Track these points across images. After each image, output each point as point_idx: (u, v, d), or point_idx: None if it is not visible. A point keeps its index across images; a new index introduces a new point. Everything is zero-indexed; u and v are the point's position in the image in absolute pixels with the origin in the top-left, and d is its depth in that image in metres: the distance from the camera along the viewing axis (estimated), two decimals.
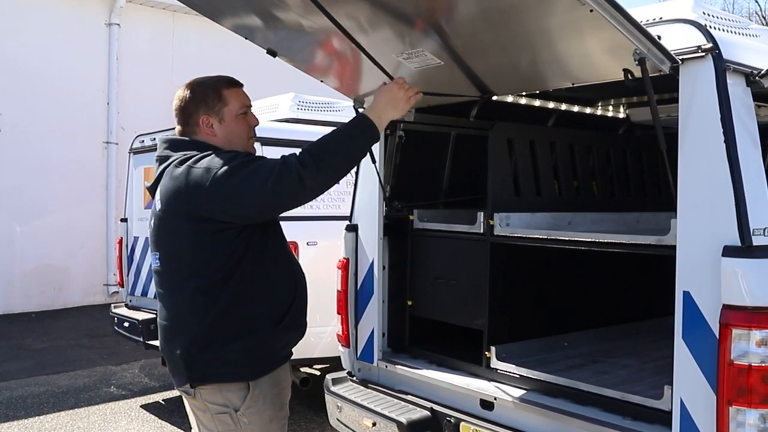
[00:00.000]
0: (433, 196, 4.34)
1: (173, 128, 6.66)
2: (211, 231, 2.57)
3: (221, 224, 2.57)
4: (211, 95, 2.77)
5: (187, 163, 2.61)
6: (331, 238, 4.73)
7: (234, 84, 2.84)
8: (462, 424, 3.38)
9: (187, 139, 2.78)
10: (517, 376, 3.38)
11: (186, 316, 2.66)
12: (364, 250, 4.03)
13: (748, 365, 2.42)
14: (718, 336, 2.47)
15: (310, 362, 6.21)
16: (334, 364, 5.33)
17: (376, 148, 3.86)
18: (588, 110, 4.65)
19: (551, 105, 4.39)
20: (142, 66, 11.86)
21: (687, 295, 2.59)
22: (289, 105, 6.88)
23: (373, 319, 3.99)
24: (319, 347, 5.79)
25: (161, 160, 2.76)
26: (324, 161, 2.50)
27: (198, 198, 2.55)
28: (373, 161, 3.82)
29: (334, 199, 6.03)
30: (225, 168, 2.52)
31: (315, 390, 5.37)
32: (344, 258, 4.11)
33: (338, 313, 4.15)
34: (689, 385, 2.58)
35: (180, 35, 12.40)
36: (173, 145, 2.77)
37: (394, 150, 3.94)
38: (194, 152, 2.66)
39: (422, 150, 4.12)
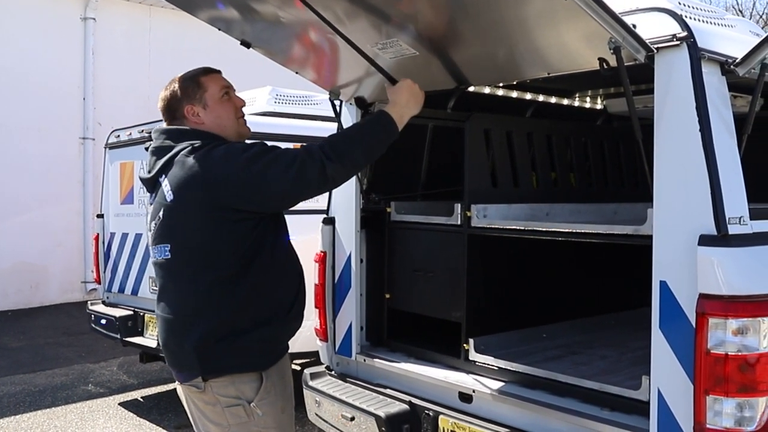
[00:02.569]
0: (411, 188, 4.32)
1: (152, 122, 6.61)
2: (229, 221, 2.57)
3: (240, 214, 2.58)
4: (189, 86, 2.80)
5: (201, 151, 2.61)
6: (309, 232, 4.69)
7: (210, 71, 2.88)
8: (441, 417, 3.37)
9: (187, 128, 2.79)
10: (496, 368, 3.37)
11: (201, 308, 2.63)
12: (341, 243, 4.01)
13: (724, 354, 2.42)
14: (694, 325, 2.47)
15: (289, 357, 6.16)
16: (314, 358, 5.30)
17: None
18: (565, 101, 4.65)
19: (528, 96, 4.38)
20: (118, 61, 11.73)
21: (664, 285, 2.58)
22: (267, 98, 6.83)
23: (351, 313, 3.96)
24: (298, 342, 5.65)
25: (162, 150, 2.74)
26: (346, 154, 2.58)
27: (218, 186, 2.55)
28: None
29: None
30: (245, 155, 2.54)
31: (294, 385, 5.34)
32: (321, 251, 4.08)
33: (316, 307, 4.12)
34: (666, 375, 2.58)
35: (156, 29, 12.29)
36: (174, 135, 2.77)
37: None
38: (200, 141, 2.67)
39: (399, 142, 4.07)
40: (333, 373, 4.07)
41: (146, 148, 2.91)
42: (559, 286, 3.99)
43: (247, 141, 2.75)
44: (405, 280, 3.95)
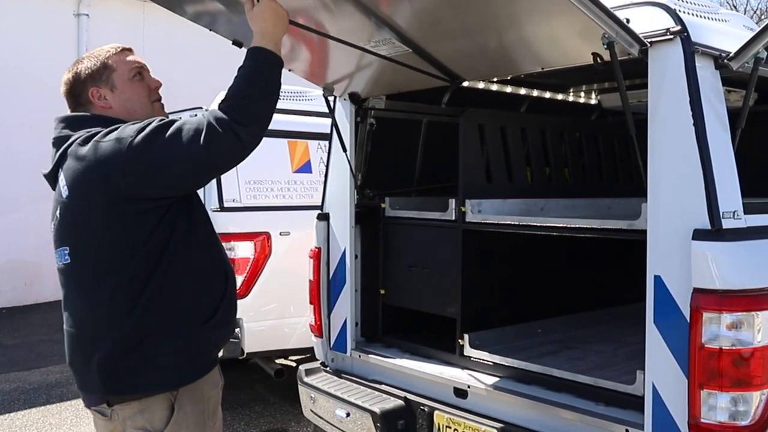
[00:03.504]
0: (405, 183, 4.31)
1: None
2: (132, 213, 2.25)
3: (143, 204, 2.25)
4: (95, 67, 2.48)
5: (94, 139, 2.28)
6: (305, 228, 4.70)
7: (121, 49, 2.55)
8: (436, 412, 3.37)
9: (87, 114, 2.47)
10: (491, 363, 3.37)
11: (104, 319, 2.28)
12: (336, 239, 4.00)
13: (719, 349, 2.42)
14: (689, 320, 2.47)
15: (284, 353, 6.17)
16: (309, 354, 5.30)
17: (347, 136, 3.84)
18: (560, 96, 4.64)
19: (523, 91, 4.38)
20: None
21: (658, 279, 2.58)
22: None
23: (346, 309, 3.96)
24: (294, 338, 5.75)
25: (59, 141, 2.41)
26: (253, 110, 2.26)
27: (114, 174, 2.21)
28: (344, 149, 3.80)
29: (307, 188, 5.99)
30: (141, 135, 2.22)
31: (290, 381, 5.34)
32: (316, 247, 4.07)
33: (310, 303, 4.12)
34: (661, 370, 2.58)
35: (150, 25, 12.23)
36: (72, 122, 2.44)
37: (365, 138, 3.91)
38: (99, 128, 2.34)
39: (394, 138, 4.09)
40: (328, 369, 4.06)
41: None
42: (553, 281, 3.99)
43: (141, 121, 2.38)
44: (400, 276, 3.95)
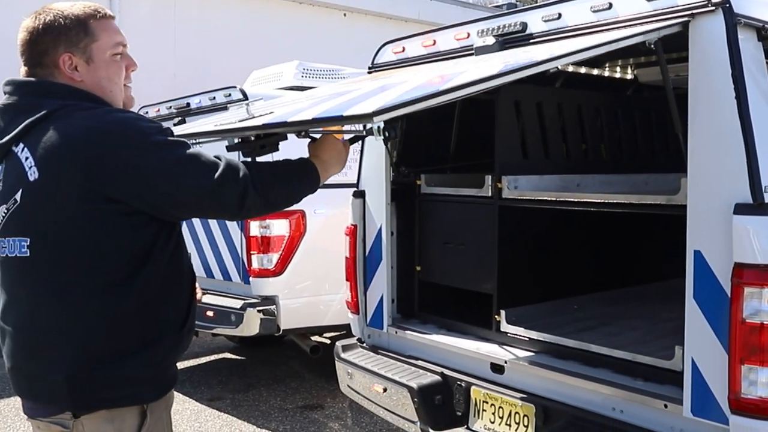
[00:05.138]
0: (441, 160, 4.31)
1: (179, 98, 6.46)
2: (116, 213, 1.99)
3: (129, 206, 2.01)
4: (73, 28, 2.10)
5: (81, 119, 1.99)
6: (339, 206, 4.72)
7: (104, 15, 2.18)
8: (473, 388, 3.39)
9: (58, 82, 2.10)
10: (527, 339, 3.38)
11: (73, 324, 2.01)
12: (371, 216, 4.02)
13: (760, 323, 2.41)
14: (729, 295, 2.46)
15: (320, 330, 6.24)
16: (344, 331, 5.35)
17: None
18: (596, 71, 4.59)
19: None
20: (143, 37, 11.70)
21: (698, 255, 2.57)
22: (294, 73, 6.83)
23: (382, 286, 3.98)
24: (329, 315, 5.81)
25: (18, 109, 2.07)
26: (271, 189, 2.11)
27: (111, 176, 1.95)
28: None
29: None
30: (152, 139, 1.99)
31: (325, 358, 5.40)
32: (352, 224, 4.10)
33: (347, 280, 4.15)
34: (700, 345, 2.57)
35: (181, 6, 12.28)
36: (38, 89, 2.09)
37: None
38: (77, 102, 2.05)
39: (429, 114, 4.07)
40: (365, 345, 4.10)
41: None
42: (590, 257, 3.98)
43: (141, 116, 2.16)
44: (436, 253, 3.96)
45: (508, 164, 3.63)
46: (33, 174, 1.99)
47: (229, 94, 5.71)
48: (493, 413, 3.30)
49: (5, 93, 2.12)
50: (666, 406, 2.71)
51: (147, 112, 7.15)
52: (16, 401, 5.96)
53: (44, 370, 2.05)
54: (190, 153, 2.02)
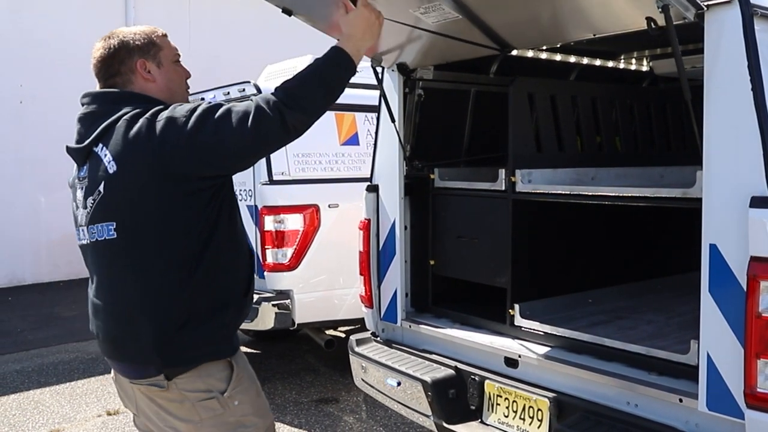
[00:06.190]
0: (454, 154, 4.30)
1: (196, 92, 6.46)
2: (185, 194, 2.30)
3: (197, 184, 2.30)
4: (142, 40, 2.50)
5: (144, 117, 2.30)
6: (353, 200, 4.73)
7: (163, 33, 2.60)
8: (486, 382, 3.39)
9: (128, 91, 2.47)
10: (542, 333, 3.36)
11: (156, 295, 2.33)
12: (385, 210, 4.02)
13: None
14: (745, 289, 2.43)
15: (334, 324, 6.25)
16: (359, 325, 5.36)
17: (395, 107, 3.84)
18: (610, 64, 4.57)
19: (572, 59, 4.32)
20: None
21: (713, 248, 2.54)
22: None
23: (396, 280, 3.98)
24: (343, 309, 5.82)
25: (95, 116, 2.42)
26: (305, 99, 2.31)
27: (171, 154, 2.25)
28: (393, 120, 3.80)
29: (355, 161, 6.02)
30: (194, 115, 2.26)
31: (340, 351, 5.42)
32: (366, 219, 4.10)
33: (361, 274, 4.15)
34: (716, 339, 2.55)
35: (196, 2, 12.32)
36: (111, 99, 2.44)
37: (414, 109, 3.90)
38: (142, 106, 2.36)
39: (442, 108, 4.07)
40: (378, 339, 4.10)
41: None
42: (604, 251, 3.95)
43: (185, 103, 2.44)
44: (449, 247, 3.95)
45: (521, 158, 3.61)
46: (112, 167, 2.31)
47: (243, 89, 5.72)
48: (507, 407, 3.29)
49: (83, 104, 2.48)
50: (681, 400, 2.69)
51: None
52: (35, 394, 6.06)
53: (136, 336, 2.35)
54: (224, 110, 2.27)
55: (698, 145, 2.59)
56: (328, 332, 6.18)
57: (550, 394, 3.11)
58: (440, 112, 4.06)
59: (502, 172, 3.57)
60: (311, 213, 5.65)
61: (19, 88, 10.80)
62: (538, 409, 3.15)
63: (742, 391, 2.45)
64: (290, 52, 7.64)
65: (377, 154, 4.10)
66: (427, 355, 3.72)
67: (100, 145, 2.36)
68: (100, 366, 6.81)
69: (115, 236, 2.34)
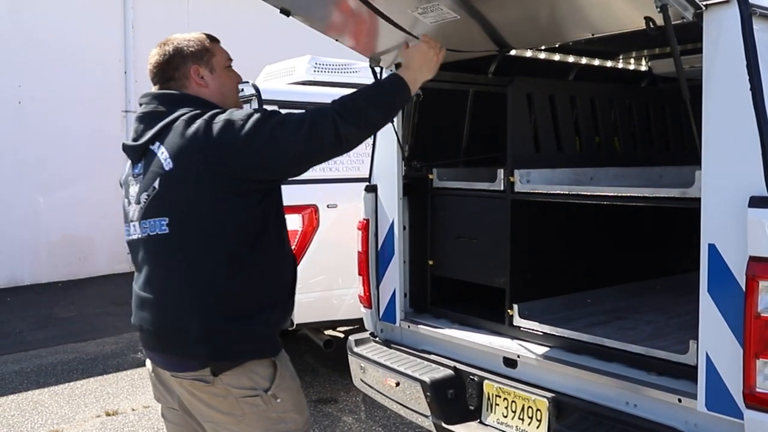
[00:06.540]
0: (453, 154, 4.30)
1: None
2: (234, 194, 2.37)
3: (246, 185, 2.38)
4: (196, 46, 2.60)
5: (202, 118, 2.39)
6: (352, 200, 4.72)
7: (215, 38, 2.70)
8: (485, 382, 3.38)
9: (185, 93, 2.56)
10: (541, 333, 3.36)
11: (206, 290, 2.39)
12: (383, 210, 4.01)
13: None
14: (744, 289, 2.43)
15: (333, 324, 6.24)
16: (357, 325, 5.35)
17: None
18: (609, 63, 4.57)
19: (571, 59, 4.32)
20: (158, 34, 11.68)
21: (712, 248, 2.54)
22: (306, 67, 6.83)
23: (395, 280, 3.98)
24: (342, 309, 5.81)
25: (154, 116, 2.50)
26: (359, 114, 2.41)
27: (227, 154, 2.33)
28: (391, 121, 3.79)
29: (354, 161, 6.01)
30: (251, 120, 2.35)
31: (338, 352, 5.41)
32: (364, 219, 4.10)
33: (359, 274, 4.15)
34: (715, 339, 2.55)
35: (195, 2, 12.32)
36: (169, 100, 2.53)
37: (412, 109, 3.90)
38: (200, 108, 2.45)
39: (440, 108, 4.07)
40: (377, 339, 4.10)
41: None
42: (603, 251, 3.95)
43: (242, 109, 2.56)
44: (448, 247, 3.95)
45: (520, 158, 3.61)
46: (168, 165, 2.38)
47: (242, 90, 5.71)
48: (506, 407, 3.29)
49: (141, 104, 2.58)
50: (680, 400, 2.69)
51: None
52: (34, 395, 6.05)
53: (184, 329, 2.40)
54: (281, 116, 2.38)
55: (697, 145, 2.59)
56: (326, 332, 6.17)
57: (549, 395, 3.11)
58: (439, 112, 4.06)
59: (500, 172, 3.57)
60: (310, 213, 5.64)
61: (18, 89, 10.79)
62: (537, 410, 3.15)
63: (741, 391, 2.45)
64: (289, 52, 7.65)
65: (376, 155, 4.10)
66: (426, 356, 3.72)
67: (157, 143, 2.43)
68: (99, 366, 6.81)
69: (167, 231, 2.40)
